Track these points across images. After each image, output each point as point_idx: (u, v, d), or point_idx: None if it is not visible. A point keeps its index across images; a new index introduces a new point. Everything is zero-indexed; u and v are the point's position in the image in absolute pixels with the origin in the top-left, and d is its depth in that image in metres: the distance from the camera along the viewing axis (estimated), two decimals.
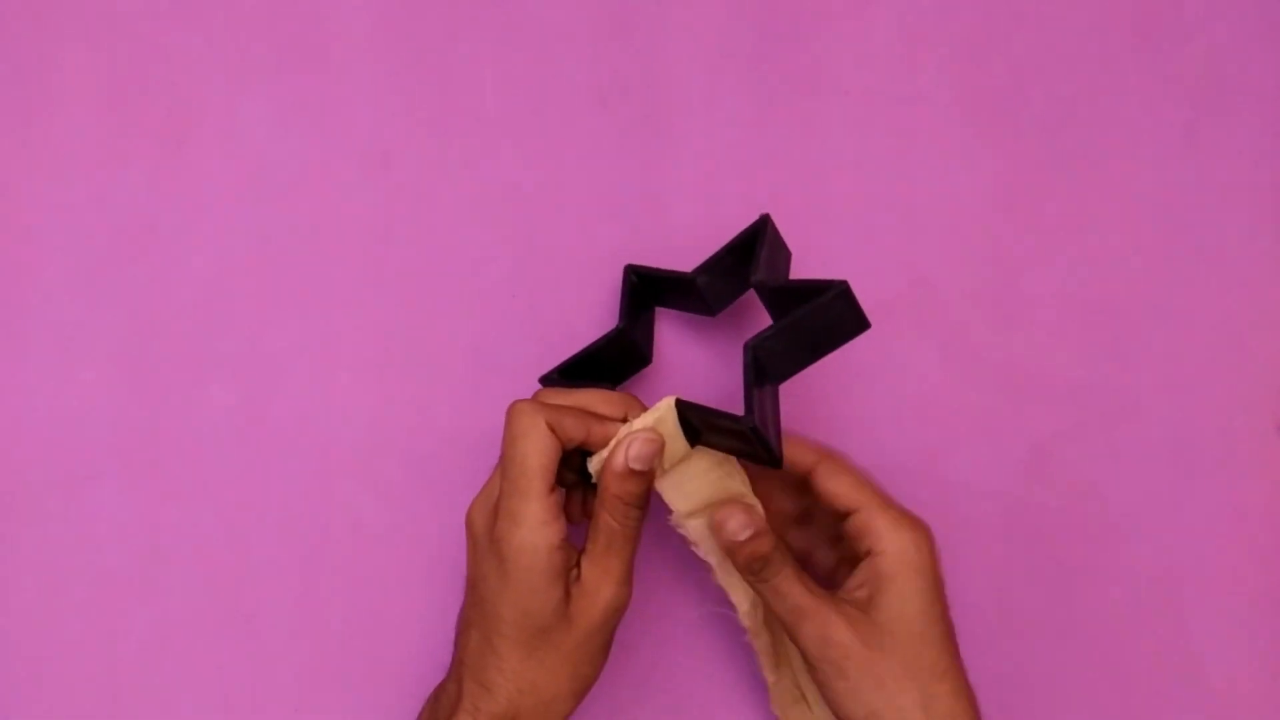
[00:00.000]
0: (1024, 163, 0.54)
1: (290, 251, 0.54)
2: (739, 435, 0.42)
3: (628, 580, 0.43)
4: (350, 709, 0.51)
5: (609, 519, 0.43)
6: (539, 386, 0.51)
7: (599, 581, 0.43)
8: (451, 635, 0.48)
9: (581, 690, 0.43)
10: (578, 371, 0.50)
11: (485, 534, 0.43)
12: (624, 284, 0.52)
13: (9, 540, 0.52)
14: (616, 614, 0.43)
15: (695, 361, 0.53)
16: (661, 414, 0.43)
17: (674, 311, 0.53)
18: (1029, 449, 0.53)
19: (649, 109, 0.55)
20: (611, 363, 0.50)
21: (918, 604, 0.42)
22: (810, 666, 0.43)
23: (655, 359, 0.52)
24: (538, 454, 0.42)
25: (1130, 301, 0.54)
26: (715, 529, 0.44)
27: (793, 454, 0.45)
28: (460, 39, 0.55)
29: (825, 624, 0.42)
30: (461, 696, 0.43)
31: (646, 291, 0.52)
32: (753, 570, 0.43)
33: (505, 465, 0.43)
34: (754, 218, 0.54)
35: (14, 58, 0.54)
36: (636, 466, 0.43)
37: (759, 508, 0.45)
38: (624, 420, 0.44)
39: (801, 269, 0.54)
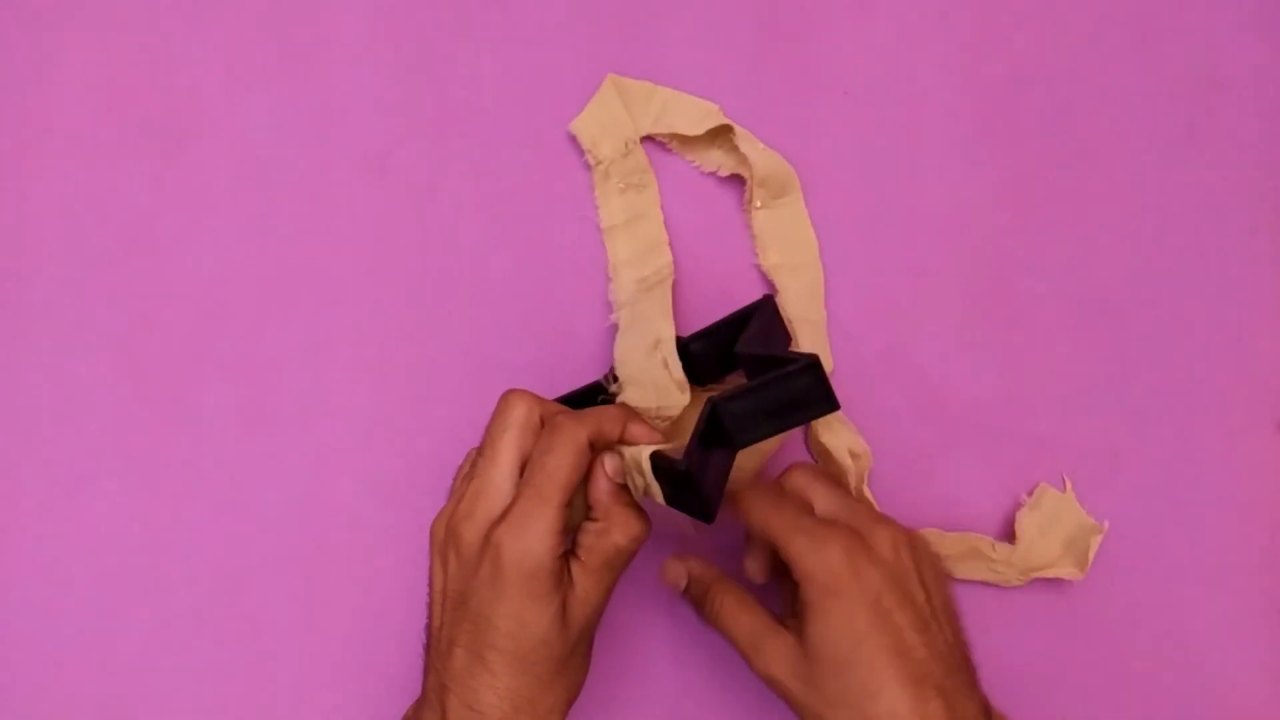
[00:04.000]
0: (1024, 162, 0.54)
1: (290, 251, 0.54)
2: (676, 480, 0.42)
3: (613, 589, 0.44)
4: (350, 709, 0.51)
5: (618, 538, 0.43)
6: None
7: (590, 591, 0.42)
8: None
9: (572, 700, 0.43)
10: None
11: (477, 544, 0.42)
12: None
13: (9, 540, 0.52)
14: (599, 619, 0.43)
15: None
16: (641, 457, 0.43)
17: None
18: (1029, 449, 0.53)
19: None
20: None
21: (838, 628, 0.40)
22: None
23: None
24: (571, 468, 0.42)
25: (1130, 301, 0.54)
26: (661, 576, 0.47)
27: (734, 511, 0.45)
28: (460, 39, 0.55)
29: (768, 661, 0.42)
30: None
31: None
32: (700, 612, 0.45)
33: (534, 473, 0.42)
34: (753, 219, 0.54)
35: (14, 58, 0.54)
36: (615, 479, 0.43)
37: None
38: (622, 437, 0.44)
39: None
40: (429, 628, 0.44)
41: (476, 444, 0.52)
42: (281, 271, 0.54)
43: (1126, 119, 0.55)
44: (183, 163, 0.54)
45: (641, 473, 0.43)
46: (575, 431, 0.42)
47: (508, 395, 0.44)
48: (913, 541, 0.43)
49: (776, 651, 0.42)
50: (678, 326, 0.50)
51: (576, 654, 0.42)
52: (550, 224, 0.54)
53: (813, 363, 0.42)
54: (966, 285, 0.54)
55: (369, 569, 0.52)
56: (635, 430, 0.44)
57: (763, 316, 0.48)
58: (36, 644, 0.51)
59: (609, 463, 0.43)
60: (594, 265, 0.53)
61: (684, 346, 0.49)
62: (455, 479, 0.47)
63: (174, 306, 0.53)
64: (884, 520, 0.43)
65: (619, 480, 0.43)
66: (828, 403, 0.42)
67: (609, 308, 0.53)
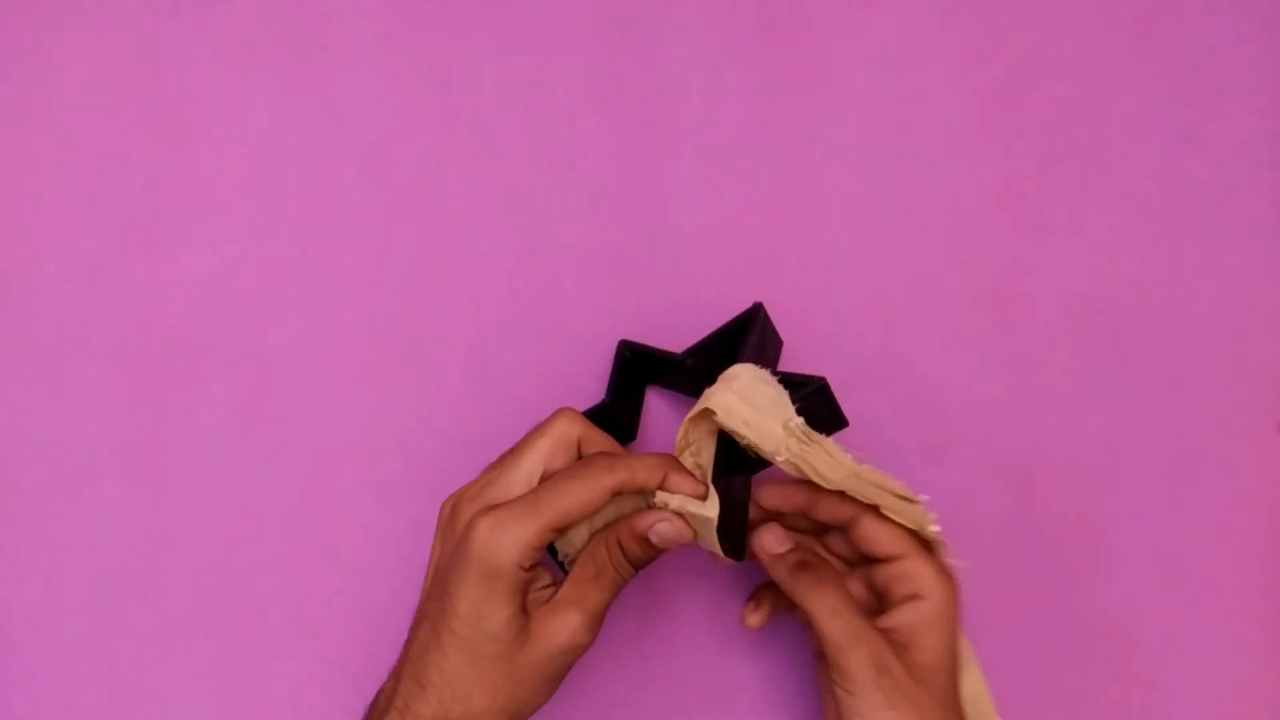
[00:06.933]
0: (1024, 163, 0.54)
1: (290, 251, 0.54)
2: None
3: (597, 622, 0.43)
4: (350, 709, 0.51)
5: (606, 555, 0.44)
6: (545, 397, 0.51)
7: (570, 608, 0.43)
8: None
9: (516, 715, 0.42)
10: None
11: (465, 525, 0.42)
12: (617, 357, 0.52)
13: (9, 540, 0.52)
14: (575, 651, 0.43)
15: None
16: (703, 512, 0.43)
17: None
18: (1029, 448, 0.53)
19: (649, 109, 0.55)
20: None
21: (951, 647, 0.44)
22: (849, 692, 0.43)
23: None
24: (578, 502, 0.42)
25: (1130, 301, 0.54)
26: (755, 547, 0.45)
27: (836, 509, 0.46)
28: (460, 39, 0.55)
29: (882, 653, 0.43)
30: (396, 693, 0.42)
31: (640, 368, 0.52)
32: (797, 580, 0.44)
33: (543, 488, 0.42)
34: (753, 219, 0.54)
35: (14, 58, 0.54)
36: (654, 541, 0.43)
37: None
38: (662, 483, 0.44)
39: (800, 272, 0.54)
40: (418, 604, 0.45)
41: (477, 444, 0.52)
42: (281, 271, 0.54)
43: (1127, 119, 0.55)
44: (183, 162, 0.54)
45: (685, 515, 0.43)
46: (602, 477, 0.42)
47: (558, 411, 0.45)
48: None
49: (890, 648, 0.43)
50: (670, 341, 0.50)
51: (536, 670, 0.42)
52: (550, 224, 0.54)
53: (822, 386, 0.43)
54: (966, 285, 0.54)
55: (369, 569, 0.52)
56: (676, 480, 0.43)
57: (756, 327, 0.48)
58: (37, 644, 0.51)
59: (667, 527, 0.43)
60: (593, 264, 0.54)
61: (680, 362, 0.50)
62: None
63: (174, 306, 0.53)
64: None
65: (664, 546, 0.43)
66: (838, 422, 0.44)
67: (608, 309, 0.53)
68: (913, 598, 0.44)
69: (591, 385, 0.53)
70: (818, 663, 0.46)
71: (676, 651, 0.52)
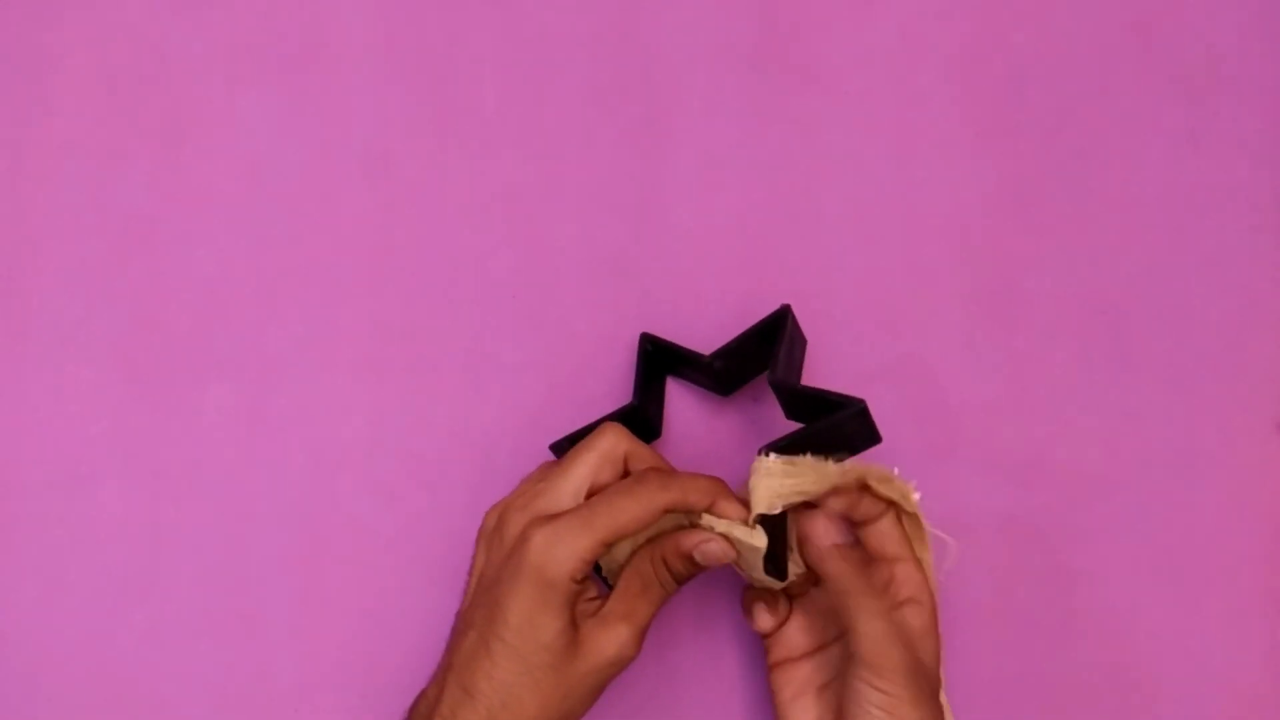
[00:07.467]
0: (1024, 163, 0.54)
1: (290, 251, 0.54)
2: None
3: (644, 634, 0.44)
4: (350, 709, 0.51)
5: (651, 570, 0.44)
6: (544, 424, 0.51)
7: (619, 622, 0.43)
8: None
9: None
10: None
11: (517, 534, 0.43)
12: (639, 352, 0.52)
13: (9, 540, 0.52)
14: (622, 663, 0.43)
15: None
16: (749, 540, 0.43)
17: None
18: (1029, 448, 0.53)
19: (649, 109, 0.55)
20: None
21: (939, 652, 0.45)
22: (883, 690, 0.42)
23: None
24: (633, 519, 0.42)
25: (1130, 301, 0.54)
26: (806, 534, 0.44)
27: (869, 506, 0.45)
28: (460, 39, 0.55)
29: (916, 655, 0.44)
30: (440, 700, 0.42)
31: (660, 361, 0.52)
32: (852, 577, 0.43)
33: (598, 502, 0.42)
34: (753, 219, 0.54)
35: (14, 57, 0.54)
36: (699, 560, 0.44)
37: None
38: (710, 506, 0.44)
39: (801, 272, 0.54)
40: (459, 612, 0.45)
41: (477, 444, 0.52)
42: (281, 271, 0.54)
43: (1126, 119, 0.55)
44: (182, 162, 0.54)
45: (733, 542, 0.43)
46: (656, 495, 0.43)
47: (604, 426, 0.46)
48: None
49: (910, 653, 0.43)
50: (698, 344, 0.51)
51: (584, 682, 0.43)
52: (550, 224, 0.54)
53: (863, 409, 0.43)
54: (966, 285, 0.54)
55: (368, 569, 0.52)
56: (724, 506, 0.44)
57: (784, 332, 0.48)
58: (37, 644, 0.51)
59: (714, 547, 0.43)
60: (594, 264, 0.54)
61: (708, 364, 0.50)
62: (521, 481, 0.47)
63: (174, 306, 0.53)
64: None
65: (708, 564, 0.44)
66: (873, 438, 0.44)
67: (608, 309, 0.53)
68: (911, 602, 0.44)
69: (592, 384, 0.53)
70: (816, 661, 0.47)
71: (676, 651, 0.52)
